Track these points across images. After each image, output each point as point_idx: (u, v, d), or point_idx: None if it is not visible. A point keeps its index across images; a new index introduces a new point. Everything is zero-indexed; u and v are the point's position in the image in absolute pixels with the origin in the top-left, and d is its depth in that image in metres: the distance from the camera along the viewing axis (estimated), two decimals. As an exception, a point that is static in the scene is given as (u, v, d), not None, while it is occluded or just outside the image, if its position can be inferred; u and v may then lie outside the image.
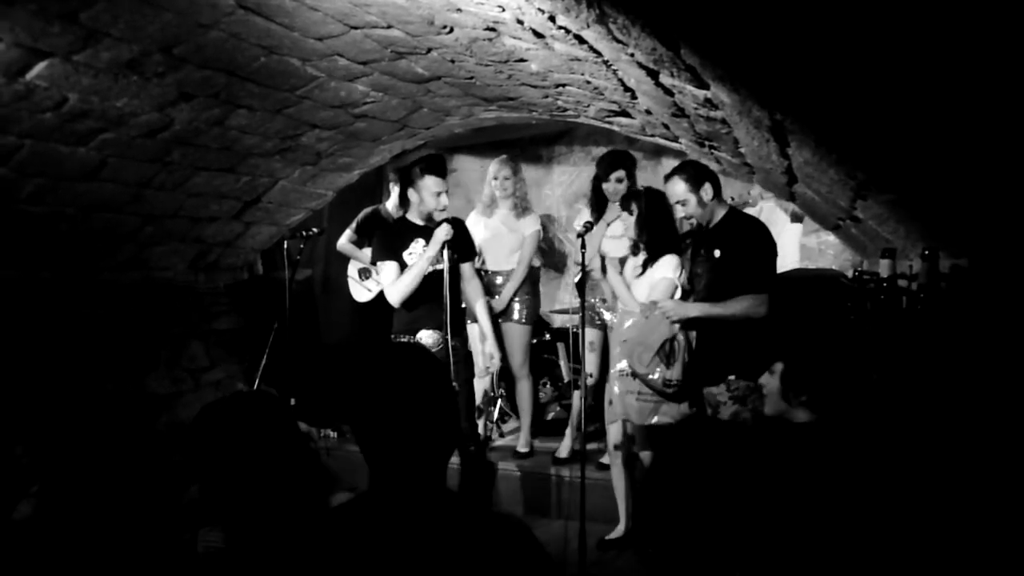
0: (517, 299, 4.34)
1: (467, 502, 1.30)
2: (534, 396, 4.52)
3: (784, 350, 2.38)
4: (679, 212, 3.26)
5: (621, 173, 4.07)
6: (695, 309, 3.19)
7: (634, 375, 3.31)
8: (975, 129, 1.66)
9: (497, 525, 1.26)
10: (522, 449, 4.40)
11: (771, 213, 4.83)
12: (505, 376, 4.76)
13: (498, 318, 4.36)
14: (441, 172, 3.53)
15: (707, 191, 3.14)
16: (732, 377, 3.07)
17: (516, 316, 4.34)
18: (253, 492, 1.47)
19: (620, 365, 3.39)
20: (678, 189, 3.18)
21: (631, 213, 3.47)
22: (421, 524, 1.21)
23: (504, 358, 4.47)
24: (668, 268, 3.42)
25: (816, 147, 2.20)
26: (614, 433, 3.61)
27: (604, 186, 4.09)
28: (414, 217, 3.59)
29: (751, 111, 2.10)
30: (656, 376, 3.24)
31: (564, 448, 4.29)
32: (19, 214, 2.87)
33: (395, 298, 3.55)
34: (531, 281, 4.49)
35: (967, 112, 1.59)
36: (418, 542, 1.18)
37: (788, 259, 4.96)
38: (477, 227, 4.43)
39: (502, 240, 4.37)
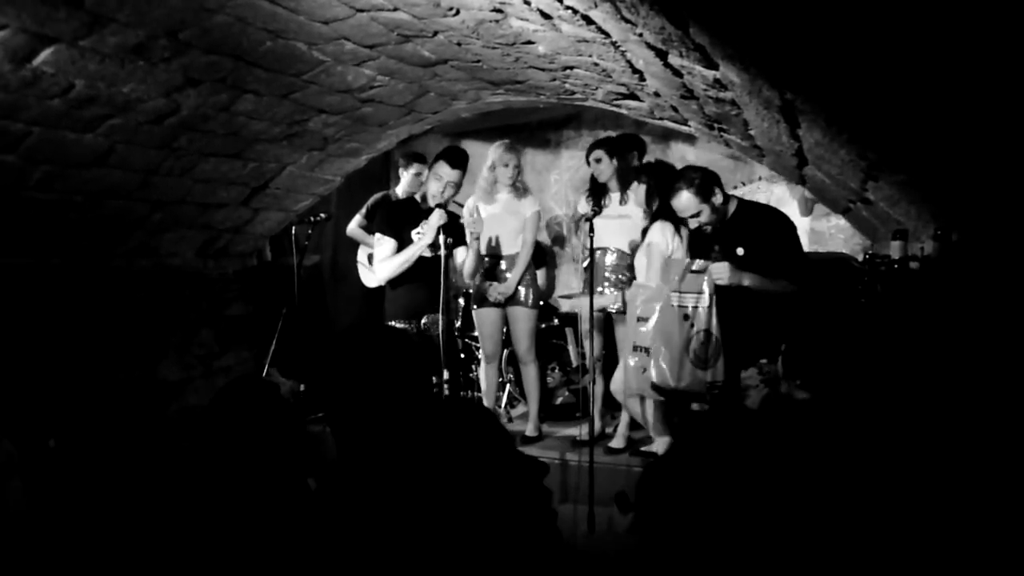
0: (522, 282, 4.34)
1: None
2: (542, 381, 4.52)
3: (792, 332, 2.37)
4: (693, 224, 3.20)
5: (599, 153, 4.17)
6: (748, 278, 3.07)
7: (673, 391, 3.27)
8: (989, 108, 1.64)
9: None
10: (530, 434, 4.40)
11: (782, 200, 4.82)
12: (513, 361, 4.76)
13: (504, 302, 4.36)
14: (452, 161, 3.58)
15: (718, 196, 3.09)
16: (764, 361, 3.05)
17: (522, 299, 4.33)
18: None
19: (636, 341, 3.38)
20: (687, 202, 3.09)
21: (640, 183, 3.63)
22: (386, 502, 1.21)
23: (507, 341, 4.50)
24: (657, 233, 3.49)
25: (827, 127, 2.18)
26: (633, 405, 3.68)
27: (591, 169, 4.19)
28: (420, 198, 3.68)
29: (761, 91, 2.08)
30: (687, 382, 3.20)
31: (620, 439, 4.27)
32: (28, 201, 2.87)
33: (384, 275, 3.65)
34: (538, 264, 4.49)
35: (981, 90, 1.57)
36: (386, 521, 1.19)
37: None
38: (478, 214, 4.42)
39: (505, 224, 4.36)
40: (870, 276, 2.76)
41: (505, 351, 4.90)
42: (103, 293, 3.46)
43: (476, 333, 5.00)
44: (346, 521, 1.23)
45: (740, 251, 3.10)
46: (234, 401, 1.61)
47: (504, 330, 4.49)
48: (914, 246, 2.61)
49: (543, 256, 5.08)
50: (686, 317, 3.19)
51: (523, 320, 4.32)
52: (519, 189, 4.39)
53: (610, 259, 4.13)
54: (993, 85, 1.53)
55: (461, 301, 5.07)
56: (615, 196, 4.14)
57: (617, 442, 4.21)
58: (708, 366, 3.14)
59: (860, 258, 3.53)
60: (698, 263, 3.21)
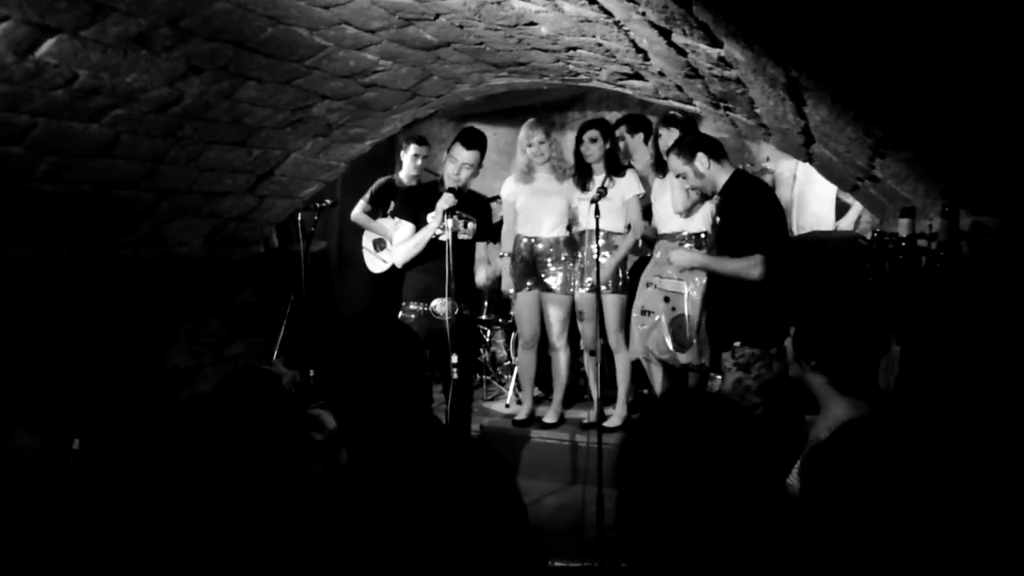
0: (560, 267, 4.28)
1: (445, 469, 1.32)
2: (569, 368, 4.45)
3: (799, 313, 2.35)
4: (683, 185, 3.29)
5: (595, 132, 4.16)
6: (698, 260, 3.29)
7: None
8: (996, 82, 1.62)
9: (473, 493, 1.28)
10: (550, 420, 4.39)
11: (806, 175, 4.81)
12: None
13: (543, 290, 4.32)
14: (466, 143, 3.56)
15: (701, 161, 3.12)
16: (737, 344, 3.08)
17: (559, 286, 4.28)
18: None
19: (643, 305, 3.51)
20: (675, 165, 3.21)
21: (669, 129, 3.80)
22: (396, 491, 1.23)
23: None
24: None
25: (832, 105, 2.16)
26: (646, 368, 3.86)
27: (580, 148, 4.15)
28: (443, 182, 3.69)
29: (766, 69, 2.06)
30: (667, 358, 3.36)
31: (617, 417, 4.29)
32: (35, 192, 2.89)
33: (399, 258, 3.70)
34: (571, 249, 4.41)
35: (987, 65, 1.55)
36: (393, 510, 1.20)
37: (824, 212, 4.92)
38: (518, 195, 4.36)
39: (546, 205, 4.28)
40: (878, 254, 2.75)
41: (513, 334, 4.89)
42: (112, 282, 3.48)
43: (484, 316, 5.01)
44: (345, 512, 1.24)
45: (718, 219, 3.18)
46: (233, 393, 1.62)
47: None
48: (922, 223, 2.60)
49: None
50: (667, 299, 3.38)
51: (556, 305, 4.28)
52: (558, 169, 4.31)
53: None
54: (999, 59, 1.51)
55: (479, 278, 4.91)
56: (598, 179, 4.12)
57: (613, 421, 4.23)
58: (685, 348, 3.28)
59: (868, 236, 3.52)
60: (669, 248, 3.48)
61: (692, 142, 3.18)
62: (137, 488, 2.56)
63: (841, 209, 5.01)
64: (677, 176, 3.24)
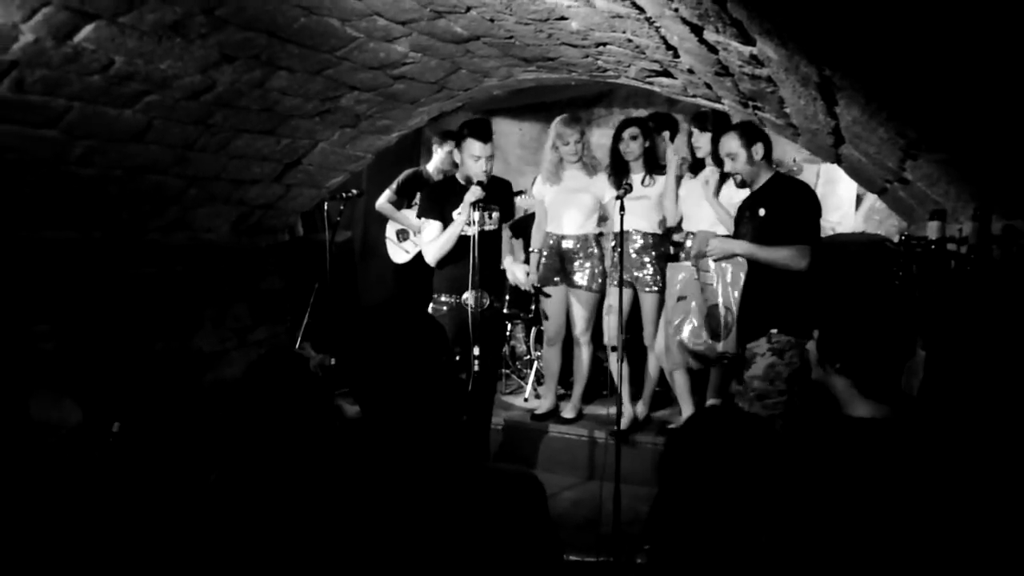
0: (587, 263, 4.27)
1: (467, 460, 1.34)
2: (591, 365, 4.46)
3: (824, 315, 2.33)
4: (727, 166, 3.32)
5: (635, 130, 4.14)
6: (740, 247, 3.28)
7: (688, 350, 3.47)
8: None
9: (495, 482, 1.29)
10: (568, 415, 4.38)
11: (828, 176, 4.78)
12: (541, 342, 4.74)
13: (567, 285, 4.31)
14: (482, 136, 3.55)
15: (758, 150, 3.25)
16: (774, 331, 3.11)
17: (585, 282, 4.27)
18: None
19: (678, 293, 3.57)
20: (731, 144, 3.27)
21: (703, 131, 3.85)
22: (411, 478, 1.24)
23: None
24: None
25: (866, 105, 2.14)
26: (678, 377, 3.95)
27: (620, 146, 4.13)
28: (461, 178, 3.66)
29: (799, 67, 2.05)
30: (702, 349, 3.38)
31: (638, 414, 4.30)
32: (70, 176, 2.94)
33: (430, 257, 3.68)
34: (599, 245, 4.37)
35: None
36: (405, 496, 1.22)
37: (844, 210, 4.88)
38: (546, 193, 4.35)
39: (576, 203, 4.26)
40: (906, 258, 2.72)
41: (534, 329, 4.89)
42: (141, 266, 3.54)
43: (505, 310, 5.01)
44: (365, 497, 1.26)
45: (762, 212, 3.25)
46: (263, 375, 1.65)
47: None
48: (952, 227, 2.57)
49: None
50: (703, 289, 3.42)
51: (582, 302, 4.27)
52: (588, 165, 4.28)
53: (635, 243, 4.11)
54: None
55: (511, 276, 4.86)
56: (636, 177, 4.09)
57: (634, 415, 4.24)
58: (720, 338, 3.32)
59: (896, 239, 3.48)
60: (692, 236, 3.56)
61: (756, 131, 3.25)
62: (169, 468, 2.61)
63: (856, 204, 5.01)
64: (726, 155, 3.30)
